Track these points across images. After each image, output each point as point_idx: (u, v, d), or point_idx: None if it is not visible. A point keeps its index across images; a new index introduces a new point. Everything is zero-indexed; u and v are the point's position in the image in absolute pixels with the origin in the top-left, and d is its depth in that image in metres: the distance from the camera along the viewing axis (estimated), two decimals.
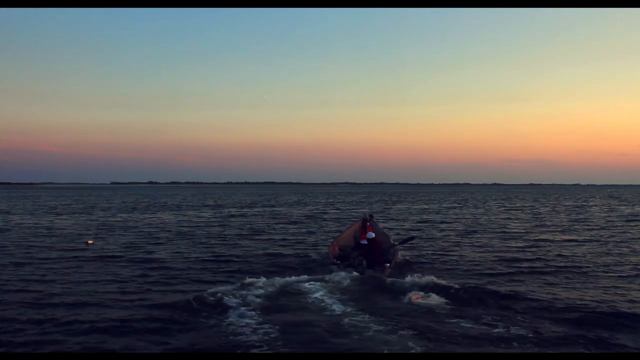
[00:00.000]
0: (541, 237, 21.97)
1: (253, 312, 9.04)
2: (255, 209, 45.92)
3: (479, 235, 22.80)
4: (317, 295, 10.35)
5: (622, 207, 48.98)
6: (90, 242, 19.88)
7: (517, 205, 55.61)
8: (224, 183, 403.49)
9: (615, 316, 8.91)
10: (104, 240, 20.86)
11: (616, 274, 13.16)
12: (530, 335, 7.87)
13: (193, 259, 15.61)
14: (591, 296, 10.59)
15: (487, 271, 13.61)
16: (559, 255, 16.55)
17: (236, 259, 15.61)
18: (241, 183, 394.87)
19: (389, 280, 11.59)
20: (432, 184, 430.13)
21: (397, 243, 15.58)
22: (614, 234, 23.29)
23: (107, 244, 19.62)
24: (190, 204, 57.49)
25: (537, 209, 47.24)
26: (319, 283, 11.35)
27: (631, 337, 7.85)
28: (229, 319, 8.65)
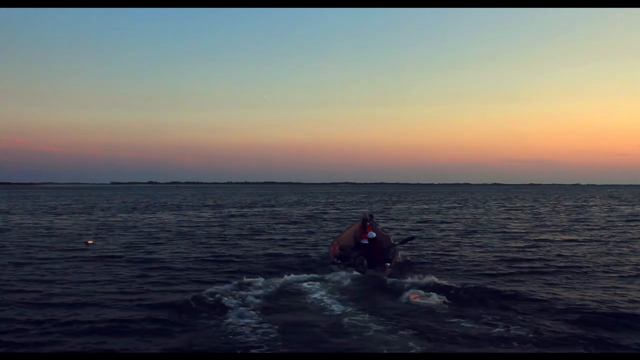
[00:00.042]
0: (541, 237, 21.97)
1: (253, 312, 9.03)
2: (255, 209, 45.92)
3: (479, 235, 22.79)
4: (317, 295, 10.34)
5: (622, 207, 48.97)
6: (90, 242, 19.87)
7: (517, 205, 55.61)
8: (224, 183, 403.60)
9: (615, 316, 8.91)
10: (103, 240, 20.85)
11: (616, 274, 13.15)
12: (530, 335, 7.86)
13: (193, 259, 15.60)
14: (591, 296, 10.58)
15: (487, 271, 13.60)
16: (559, 255, 16.54)
17: (236, 259, 15.60)
18: (241, 183, 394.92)
19: (389, 280, 11.58)
20: (432, 184, 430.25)
21: (397, 243, 15.59)
22: (614, 234, 23.29)
23: (107, 244, 19.61)
24: (190, 204, 57.49)
25: (537, 209, 47.23)
26: (319, 283, 11.35)
27: (631, 337, 7.83)
28: (229, 319, 8.64)
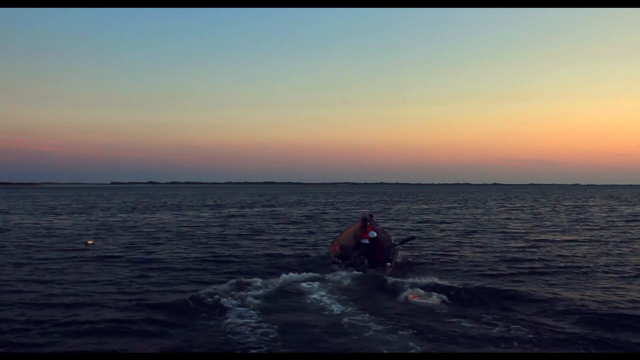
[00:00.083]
0: (541, 237, 21.96)
1: (252, 312, 9.02)
2: (255, 209, 45.91)
3: (479, 235, 22.79)
4: (317, 294, 10.33)
5: (622, 207, 48.97)
6: (90, 242, 19.86)
7: (517, 205, 55.60)
8: (224, 183, 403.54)
9: (615, 316, 8.90)
10: (103, 240, 20.84)
11: (616, 274, 13.14)
12: (530, 335, 7.85)
13: (193, 259, 15.59)
14: (591, 296, 10.57)
15: (487, 271, 13.59)
16: (559, 255, 16.54)
17: (236, 259, 15.59)
18: (241, 183, 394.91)
19: (389, 280, 11.57)
20: (432, 184, 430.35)
21: (397, 243, 15.60)
22: (614, 234, 23.28)
23: (107, 244, 19.61)
24: (190, 204, 57.47)
25: (537, 209, 47.23)
26: (319, 283, 11.34)
27: (631, 337, 7.82)
28: (229, 319, 8.63)
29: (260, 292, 10.50)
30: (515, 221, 31.74)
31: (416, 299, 9.95)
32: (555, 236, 22.59)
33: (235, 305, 9.45)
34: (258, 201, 65.94)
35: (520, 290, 10.82)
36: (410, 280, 11.42)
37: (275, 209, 47.34)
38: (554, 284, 11.88)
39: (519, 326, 8.24)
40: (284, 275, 12.13)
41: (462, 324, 8.44)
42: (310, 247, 18.60)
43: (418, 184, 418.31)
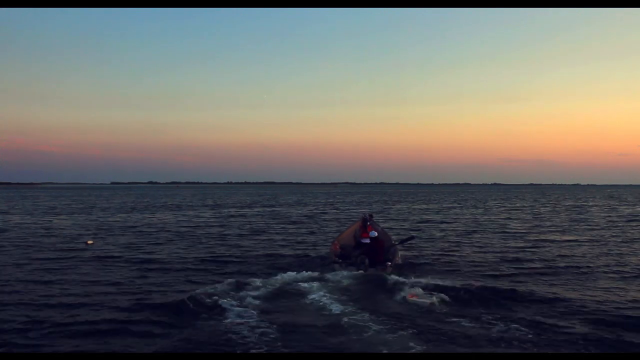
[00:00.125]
0: (541, 237, 21.96)
1: (252, 312, 9.02)
2: (255, 209, 45.90)
3: (479, 235, 22.78)
4: (316, 294, 10.32)
5: (622, 207, 48.96)
6: (90, 242, 19.86)
7: (517, 205, 55.60)
8: (224, 183, 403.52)
9: (615, 316, 8.90)
10: (103, 240, 20.84)
11: (616, 274, 13.13)
12: (530, 335, 7.85)
13: (192, 260, 15.59)
14: (591, 296, 10.57)
15: (487, 271, 13.59)
16: (559, 255, 16.53)
17: (236, 259, 15.59)
18: (241, 183, 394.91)
19: (389, 279, 11.56)
20: (432, 184, 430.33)
21: (397, 243, 15.60)
22: (614, 234, 23.28)
23: (107, 244, 19.60)
24: (190, 204, 57.47)
25: (537, 209, 47.23)
26: (318, 282, 11.34)
27: (631, 337, 7.81)
28: (229, 319, 8.63)
29: (260, 292, 10.49)
30: (515, 221, 31.73)
31: (415, 299, 9.95)
32: (555, 236, 22.58)
33: (235, 305, 9.45)
34: (258, 201, 65.94)
35: (520, 290, 10.81)
36: (410, 280, 11.42)
37: (275, 209, 47.34)
38: (554, 284, 11.88)
39: (519, 326, 8.24)
40: (283, 275, 12.13)
41: (462, 324, 8.43)
42: (310, 247, 18.59)
43: (418, 184, 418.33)
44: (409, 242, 16.65)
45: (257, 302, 9.75)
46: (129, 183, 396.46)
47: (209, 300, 9.71)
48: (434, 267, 14.11)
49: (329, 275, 12.03)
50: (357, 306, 9.45)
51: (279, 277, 11.99)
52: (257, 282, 11.32)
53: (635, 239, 21.50)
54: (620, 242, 20.30)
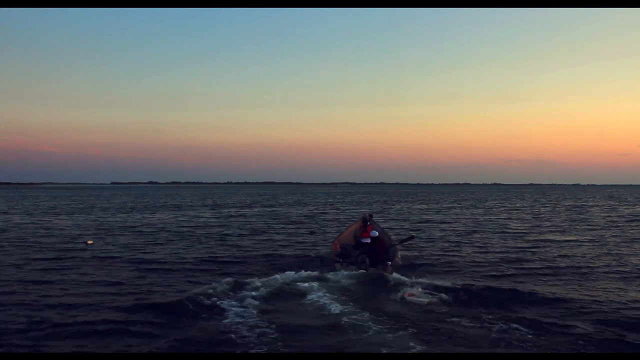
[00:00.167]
0: (541, 237, 21.96)
1: (252, 312, 9.02)
2: (255, 209, 45.90)
3: (479, 235, 22.78)
4: (316, 294, 10.33)
5: (622, 207, 48.96)
6: (90, 242, 19.85)
7: (517, 205, 55.60)
8: (224, 183, 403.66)
9: (615, 316, 8.90)
10: (103, 240, 20.83)
11: (616, 274, 13.13)
12: (530, 335, 7.85)
13: (192, 260, 15.58)
14: (591, 296, 10.56)
15: (487, 271, 13.59)
16: (559, 255, 16.53)
17: (235, 259, 15.58)
18: (241, 183, 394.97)
19: (389, 279, 11.57)
20: (432, 184, 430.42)
21: (397, 243, 15.61)
22: (614, 234, 23.27)
23: (107, 244, 19.59)
24: (190, 204, 57.47)
25: (537, 209, 47.23)
26: (318, 282, 11.34)
27: (631, 337, 7.81)
28: (228, 319, 8.63)
29: (260, 292, 10.49)
30: (515, 221, 31.73)
31: (414, 298, 9.96)
32: (555, 236, 22.58)
33: (235, 305, 9.45)
34: (258, 201, 65.95)
35: (520, 290, 10.80)
36: (410, 280, 11.43)
37: (275, 209, 47.34)
38: (554, 284, 11.87)
39: (519, 326, 8.23)
40: (283, 275, 12.13)
41: (462, 324, 8.43)
42: (310, 247, 18.59)
43: (418, 184, 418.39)
44: (409, 242, 16.66)
45: (256, 302, 9.75)
46: (129, 183, 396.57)
47: (208, 300, 9.71)
48: (434, 267, 14.11)
49: (328, 275, 12.04)
50: (357, 306, 9.45)
51: (278, 277, 11.99)
52: (257, 282, 11.31)
53: (635, 239, 21.49)
54: (620, 242, 20.30)
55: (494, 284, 11.74)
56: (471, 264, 14.77)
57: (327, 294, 10.33)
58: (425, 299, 9.86)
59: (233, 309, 9.21)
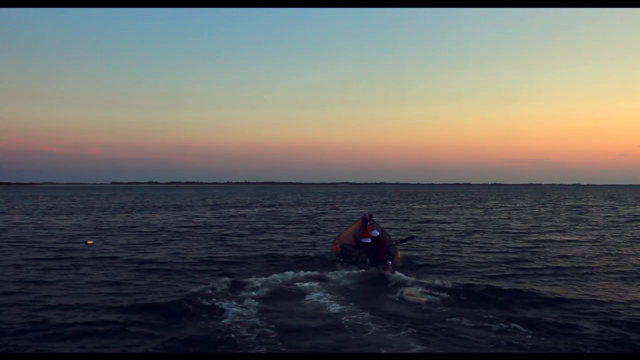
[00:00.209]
0: (541, 237, 21.95)
1: (252, 312, 9.01)
2: (255, 209, 45.89)
3: (479, 235, 22.77)
4: (316, 294, 10.31)
5: (622, 207, 48.96)
6: (90, 242, 19.84)
7: (517, 205, 55.59)
8: (224, 183, 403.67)
9: (615, 316, 8.89)
10: (103, 240, 20.82)
11: (616, 274, 13.13)
12: (530, 335, 7.84)
13: (192, 260, 15.57)
14: (591, 296, 10.55)
15: (487, 271, 13.58)
16: (559, 255, 16.52)
17: (235, 260, 15.57)
18: (241, 183, 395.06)
19: (389, 279, 11.57)
20: (432, 184, 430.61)
21: (397, 242, 15.61)
22: (614, 234, 23.27)
23: (106, 244, 19.59)
24: (190, 204, 57.46)
25: (537, 209, 47.21)
26: (318, 282, 11.33)
27: (632, 337, 7.81)
28: (228, 319, 8.61)
29: (260, 292, 10.48)
30: (515, 221, 31.72)
31: (414, 298, 9.95)
32: (555, 236, 22.57)
33: (235, 305, 9.44)
34: (258, 201, 65.93)
35: (520, 290, 10.80)
36: (411, 279, 11.42)
37: (275, 209, 47.33)
38: (554, 284, 11.87)
39: (519, 326, 8.23)
40: (283, 275, 12.12)
41: (462, 323, 8.42)
42: (310, 247, 18.58)
43: (418, 184, 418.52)
44: (409, 242, 16.66)
45: (256, 302, 9.74)
46: (129, 183, 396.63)
47: (208, 300, 9.70)
48: (434, 267, 14.10)
49: (328, 275, 12.03)
50: (357, 306, 9.44)
51: (278, 277, 11.98)
52: (257, 282, 11.30)
53: (635, 239, 21.49)
54: (620, 242, 20.29)
55: (494, 284, 11.73)
56: (471, 264, 14.76)
57: (327, 294, 10.32)
58: (423, 298, 9.86)
59: (233, 309, 9.20)
